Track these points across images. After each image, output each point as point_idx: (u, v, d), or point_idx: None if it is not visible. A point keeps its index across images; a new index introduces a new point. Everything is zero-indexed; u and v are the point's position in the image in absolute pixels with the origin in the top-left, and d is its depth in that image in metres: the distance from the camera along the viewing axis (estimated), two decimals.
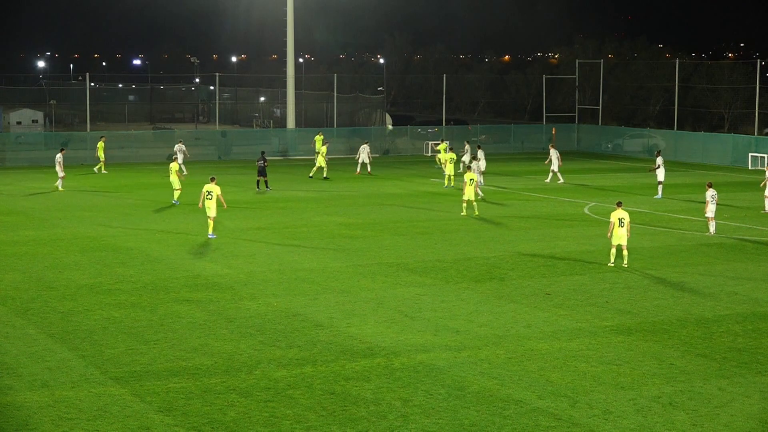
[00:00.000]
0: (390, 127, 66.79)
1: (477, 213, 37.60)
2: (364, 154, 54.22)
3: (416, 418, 15.77)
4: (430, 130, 72.22)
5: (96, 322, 21.41)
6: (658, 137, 70.36)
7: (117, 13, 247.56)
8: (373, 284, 25.52)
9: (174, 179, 40.74)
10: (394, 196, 44.75)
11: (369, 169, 54.14)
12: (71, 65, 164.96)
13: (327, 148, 53.59)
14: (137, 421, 15.47)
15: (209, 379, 17.56)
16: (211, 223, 32.01)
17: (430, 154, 65.57)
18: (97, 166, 53.97)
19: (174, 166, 41.17)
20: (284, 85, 70.79)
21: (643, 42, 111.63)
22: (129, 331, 20.71)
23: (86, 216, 37.24)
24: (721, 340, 20.53)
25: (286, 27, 67.84)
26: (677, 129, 71.86)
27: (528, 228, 35.33)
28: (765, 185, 39.81)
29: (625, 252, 27.97)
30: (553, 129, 72.66)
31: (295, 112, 70.82)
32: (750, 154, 60.52)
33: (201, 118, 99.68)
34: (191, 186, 42.68)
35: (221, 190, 32.37)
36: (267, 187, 45.91)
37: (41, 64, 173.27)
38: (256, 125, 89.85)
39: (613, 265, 27.96)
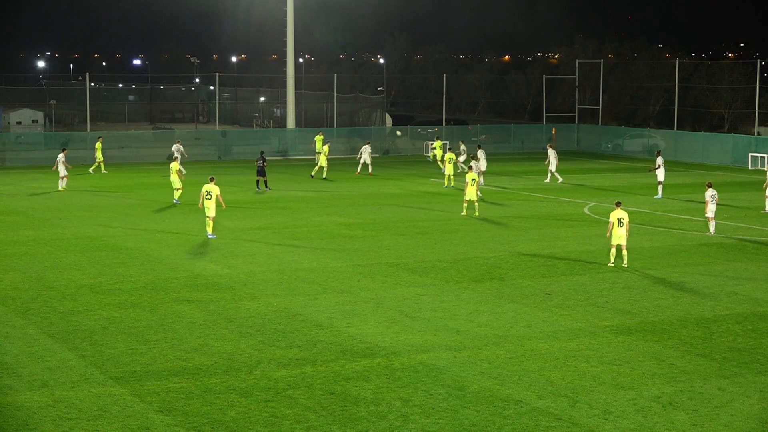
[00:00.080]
0: (399, 133, 66.86)
1: (477, 214, 37.60)
2: (366, 154, 54.23)
3: (416, 418, 15.77)
4: (430, 130, 72.22)
5: (96, 322, 21.42)
6: (658, 137, 70.36)
7: (117, 13, 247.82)
8: (373, 284, 25.52)
9: (174, 179, 40.72)
10: (394, 196, 44.75)
11: (370, 170, 54.13)
12: (71, 65, 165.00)
13: (329, 147, 53.63)
14: (137, 421, 15.47)
15: (209, 379, 17.56)
16: (210, 223, 32.01)
17: (429, 154, 65.59)
18: (93, 167, 53.87)
19: (174, 166, 41.13)
20: (284, 85, 70.81)
21: (643, 42, 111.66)
22: (129, 331, 20.72)
23: (86, 216, 37.24)
24: (721, 340, 20.53)
25: (286, 27, 67.85)
26: (677, 129, 71.88)
27: (528, 228, 35.34)
28: (767, 186, 39.79)
29: (624, 252, 27.97)
30: (553, 129, 72.67)
31: (295, 112, 70.84)
32: (750, 154, 60.52)
33: (201, 118, 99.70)
34: (191, 186, 42.68)
35: (220, 190, 32.38)
36: (266, 187, 45.91)
37: (41, 64, 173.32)
38: (256, 125, 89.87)
39: (613, 265, 27.96)
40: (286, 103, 71.32)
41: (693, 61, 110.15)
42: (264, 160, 46.03)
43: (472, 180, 37.46)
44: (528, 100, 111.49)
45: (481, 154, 49.56)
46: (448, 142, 65.47)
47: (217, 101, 74.72)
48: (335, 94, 73.15)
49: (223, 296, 23.98)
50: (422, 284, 25.57)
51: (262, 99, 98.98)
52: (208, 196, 31.78)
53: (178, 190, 40.85)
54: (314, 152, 61.30)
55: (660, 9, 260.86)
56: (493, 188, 47.59)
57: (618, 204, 28.08)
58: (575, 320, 21.99)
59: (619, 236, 27.61)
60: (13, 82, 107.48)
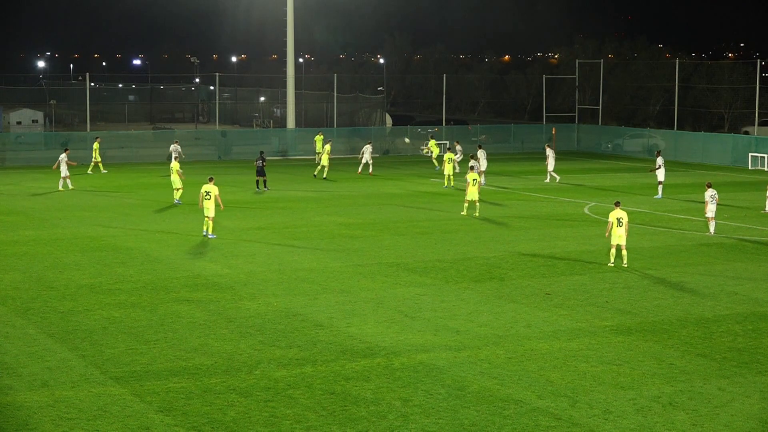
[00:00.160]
0: (407, 140, 66.88)
1: (477, 214, 37.59)
2: (367, 154, 54.27)
3: (416, 418, 15.77)
4: (430, 130, 72.23)
5: (96, 322, 21.42)
6: (658, 137, 70.36)
7: (117, 13, 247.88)
8: (373, 284, 25.52)
9: (175, 179, 40.69)
10: (394, 196, 44.75)
11: (370, 170, 54.15)
12: (71, 65, 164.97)
13: (330, 146, 53.67)
14: (137, 421, 15.48)
15: (209, 379, 17.56)
16: (210, 223, 32.00)
17: (429, 154, 65.54)
18: (90, 167, 53.81)
19: (175, 166, 41.09)
20: (284, 85, 70.80)
21: (643, 42, 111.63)
22: (129, 331, 20.72)
23: (86, 216, 37.24)
24: (721, 340, 20.53)
25: (286, 27, 67.85)
26: (677, 129, 71.87)
27: (528, 228, 35.34)
28: None
29: (624, 252, 27.97)
30: (553, 129, 72.67)
31: (295, 112, 70.83)
32: (750, 154, 60.54)
33: (201, 118, 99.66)
34: (191, 186, 42.66)
35: (220, 191, 32.37)
36: (265, 187, 45.88)
37: (41, 64, 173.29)
38: (256, 125, 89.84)
39: (612, 265, 27.96)
40: (286, 103, 71.31)
41: (693, 61, 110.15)
42: (263, 160, 46.01)
43: (474, 180, 37.46)
44: (528, 100, 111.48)
45: (481, 154, 49.56)
46: (448, 141, 65.54)
47: (217, 101, 74.71)
48: (335, 94, 73.15)
49: (223, 296, 23.98)
50: (422, 284, 25.57)
51: (262, 99, 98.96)
52: (207, 197, 31.77)
53: (178, 190, 40.83)
54: (314, 152, 61.42)
55: (660, 9, 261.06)
56: (493, 188, 47.60)
57: (617, 204, 28.09)
58: (575, 320, 22.00)
59: (619, 236, 27.61)
60: (13, 82, 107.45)
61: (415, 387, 17.23)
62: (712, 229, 33.80)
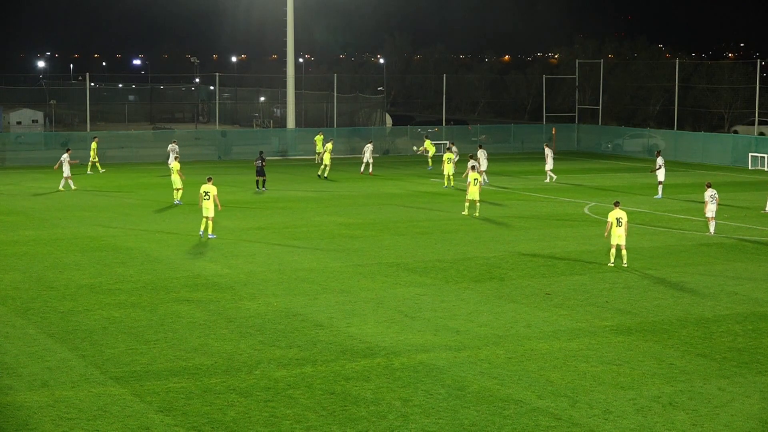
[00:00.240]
0: (415, 148, 67.03)
1: (477, 214, 37.58)
2: (367, 153, 54.32)
3: (416, 418, 15.77)
4: (430, 130, 72.24)
5: (96, 322, 21.42)
6: (658, 137, 70.36)
7: (117, 13, 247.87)
8: (373, 284, 25.52)
9: (175, 179, 40.66)
10: (394, 196, 44.75)
11: (370, 170, 54.16)
12: (71, 65, 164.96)
13: (332, 144, 53.66)
14: (137, 421, 15.48)
15: (209, 379, 17.56)
16: (210, 223, 31.96)
17: (425, 153, 65.54)
18: (89, 167, 53.80)
19: (176, 166, 41.05)
20: (284, 85, 70.80)
21: (643, 42, 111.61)
22: (129, 331, 20.72)
23: (86, 216, 37.24)
24: (721, 340, 20.53)
25: (286, 27, 67.85)
26: (677, 129, 71.88)
27: (528, 228, 35.34)
28: None
29: (624, 252, 27.98)
30: (553, 129, 72.69)
31: (295, 112, 70.83)
32: (750, 154, 60.54)
33: (201, 118, 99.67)
34: (191, 186, 42.65)
35: (218, 191, 32.35)
36: (263, 187, 45.84)
37: (41, 64, 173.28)
38: (256, 125, 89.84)
39: (612, 265, 27.96)
40: (286, 103, 71.32)
41: (693, 61, 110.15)
42: (263, 160, 46.00)
43: (475, 180, 37.47)
44: (528, 100, 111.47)
45: (481, 154, 49.53)
46: (447, 142, 65.52)
47: (217, 101, 74.71)
48: (335, 94, 73.15)
49: (223, 296, 23.98)
50: (422, 284, 25.57)
51: (262, 99, 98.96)
52: (206, 197, 31.75)
53: (178, 190, 40.81)
54: (314, 152, 61.42)
55: (660, 9, 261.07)
56: (493, 188, 47.59)
57: (616, 204, 28.09)
58: (575, 320, 22.00)
59: (618, 236, 27.62)
60: (13, 82, 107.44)
61: (415, 387, 17.23)
62: (712, 229, 33.80)
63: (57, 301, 23.35)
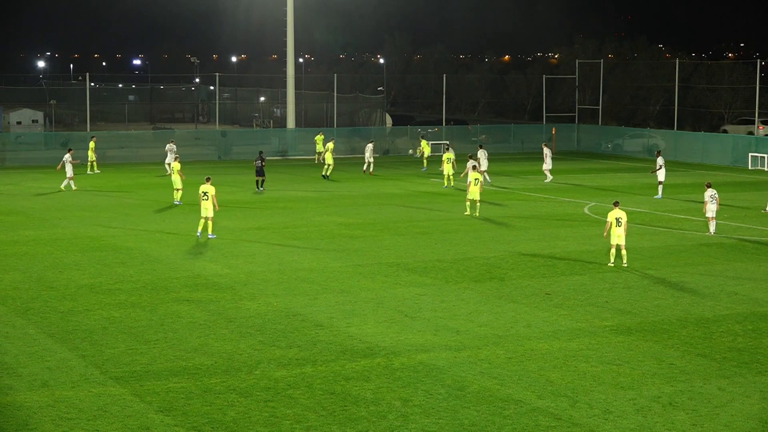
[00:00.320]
0: (411, 151, 67.04)
1: (477, 214, 37.57)
2: (368, 153, 54.37)
3: (416, 418, 15.77)
4: (430, 130, 72.23)
5: (96, 322, 21.42)
6: (658, 137, 70.36)
7: (117, 13, 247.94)
8: (373, 284, 25.52)
9: (176, 179, 40.62)
10: (394, 196, 44.75)
11: (371, 169, 54.18)
12: (71, 65, 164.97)
13: (334, 144, 53.64)
14: (137, 421, 15.48)
15: (209, 379, 17.56)
16: (210, 223, 31.94)
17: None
18: (88, 167, 53.79)
19: (176, 166, 41.02)
20: (284, 85, 70.80)
21: (643, 42, 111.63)
22: (129, 331, 20.72)
23: (86, 216, 37.25)
24: (721, 340, 20.53)
25: (286, 27, 67.85)
26: (677, 129, 71.88)
27: (528, 228, 35.34)
28: None
29: (623, 252, 27.97)
30: (553, 129, 72.69)
31: (295, 112, 70.83)
32: (750, 154, 60.54)
33: (201, 118, 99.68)
34: (191, 186, 42.65)
35: (218, 191, 32.32)
36: (262, 187, 45.83)
37: (41, 64, 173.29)
38: (256, 125, 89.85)
39: (612, 265, 27.96)
40: (286, 103, 71.32)
41: (693, 61, 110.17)
42: (262, 160, 46.01)
43: (476, 179, 37.48)
44: (528, 100, 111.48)
45: (481, 153, 49.50)
46: (448, 142, 65.52)
47: (217, 101, 74.71)
48: (335, 94, 73.15)
49: (223, 296, 23.99)
50: (422, 284, 25.57)
51: (262, 99, 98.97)
52: (205, 197, 31.73)
53: (178, 190, 40.78)
54: (314, 152, 61.42)
55: (660, 9, 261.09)
56: (494, 188, 47.59)
57: (616, 204, 28.09)
58: (575, 320, 22.00)
59: (618, 236, 27.62)
60: (13, 82, 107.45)
61: (415, 387, 17.23)
62: (712, 229, 33.80)
63: (57, 301, 23.35)
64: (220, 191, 32.39)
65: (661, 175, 44.66)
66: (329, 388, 17.14)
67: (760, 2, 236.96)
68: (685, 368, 18.50)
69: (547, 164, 50.95)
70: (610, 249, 28.26)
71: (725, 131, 75.44)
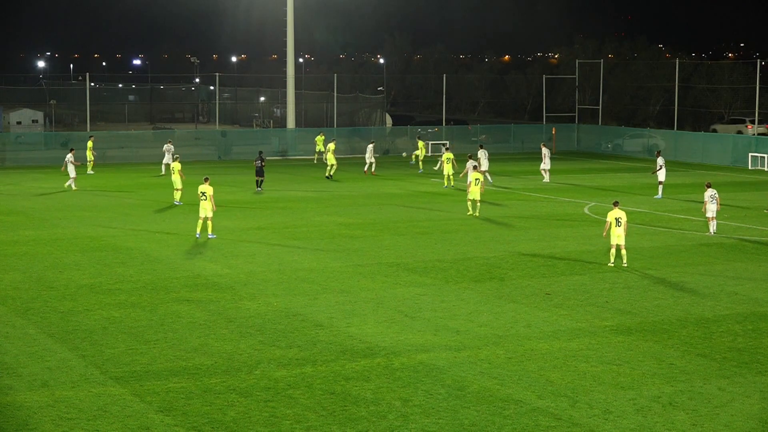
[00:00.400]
0: (405, 155, 66.99)
1: (477, 214, 37.57)
2: (368, 153, 54.39)
3: (416, 418, 15.77)
4: (430, 130, 72.22)
5: (96, 322, 21.42)
6: (658, 137, 70.36)
7: (117, 13, 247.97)
8: (373, 284, 25.52)
9: (176, 179, 40.58)
10: (394, 196, 44.76)
11: (372, 169, 54.20)
12: (71, 65, 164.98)
13: (334, 145, 53.63)
14: (137, 421, 15.48)
15: (209, 379, 17.56)
16: (209, 223, 31.93)
17: (429, 154, 65.58)
18: (89, 167, 53.78)
19: (176, 166, 40.98)
20: (284, 85, 70.80)
21: (643, 42, 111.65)
22: (129, 331, 20.72)
23: (86, 216, 37.25)
24: (721, 340, 20.53)
25: (286, 27, 67.84)
26: (677, 129, 71.88)
27: (528, 228, 35.34)
28: None
29: (623, 252, 27.97)
30: (553, 129, 72.69)
31: (295, 112, 70.83)
32: (750, 154, 60.54)
33: (201, 118, 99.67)
34: (190, 186, 42.63)
35: (218, 191, 32.30)
36: (260, 187, 45.81)
37: (41, 64, 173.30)
38: (256, 125, 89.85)
39: (612, 265, 27.96)
40: (286, 103, 71.31)
41: (693, 61, 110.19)
42: (262, 161, 46.01)
43: (477, 179, 37.48)
44: (528, 100, 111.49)
45: (482, 154, 49.47)
46: (447, 142, 65.53)
47: (217, 101, 74.72)
48: (335, 94, 73.15)
49: (223, 296, 23.99)
50: (422, 284, 25.57)
51: (262, 99, 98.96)
52: (203, 197, 31.71)
53: (178, 190, 40.75)
54: (314, 153, 61.41)
55: (660, 9, 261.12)
56: (494, 188, 47.59)
57: (616, 203, 28.09)
58: (575, 320, 22.00)
59: (618, 236, 27.62)
60: (13, 82, 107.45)
61: (415, 387, 17.23)
62: (712, 229, 33.80)
63: (57, 301, 23.35)
64: (220, 191, 32.39)
65: (661, 175, 44.67)
66: (329, 388, 17.14)
67: (760, 2, 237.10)
68: (685, 368, 18.50)
69: (546, 164, 50.95)
70: (610, 249, 28.26)
71: (715, 130, 75.64)
